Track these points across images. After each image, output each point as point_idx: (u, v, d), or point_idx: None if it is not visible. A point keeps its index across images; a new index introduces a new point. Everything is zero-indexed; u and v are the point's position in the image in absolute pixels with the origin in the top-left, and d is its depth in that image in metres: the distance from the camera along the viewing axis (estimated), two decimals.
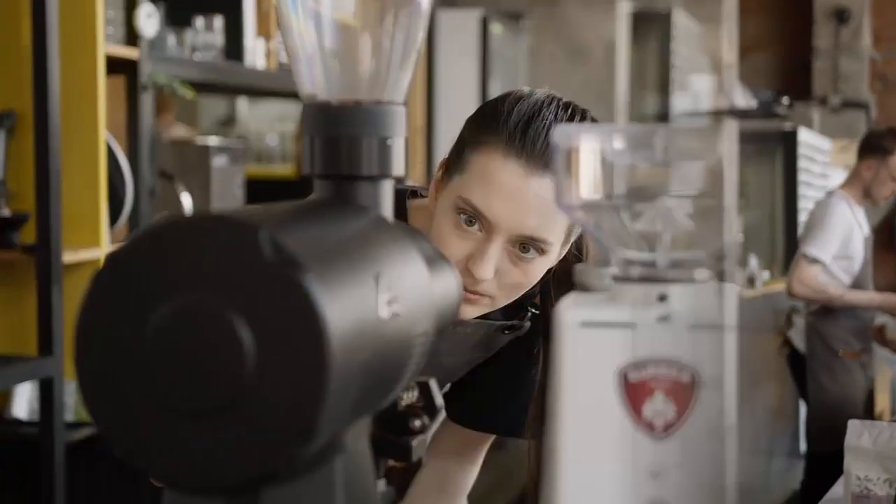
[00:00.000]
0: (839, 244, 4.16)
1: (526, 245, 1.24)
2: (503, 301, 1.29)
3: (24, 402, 2.63)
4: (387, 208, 0.77)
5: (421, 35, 0.80)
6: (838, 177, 8.29)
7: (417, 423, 0.84)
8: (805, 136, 7.12)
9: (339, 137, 0.76)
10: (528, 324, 1.42)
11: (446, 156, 1.31)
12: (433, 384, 0.84)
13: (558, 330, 0.67)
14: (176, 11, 2.94)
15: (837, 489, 2.12)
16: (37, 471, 2.32)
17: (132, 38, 2.64)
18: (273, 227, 0.60)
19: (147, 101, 2.66)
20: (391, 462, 0.92)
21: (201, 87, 3.20)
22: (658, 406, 0.65)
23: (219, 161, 3.05)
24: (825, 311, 4.25)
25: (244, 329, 0.58)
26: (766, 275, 5.76)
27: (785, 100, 6.80)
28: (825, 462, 4.18)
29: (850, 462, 1.88)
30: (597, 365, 0.66)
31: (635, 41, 6.80)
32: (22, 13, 2.35)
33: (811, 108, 7.27)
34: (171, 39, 2.87)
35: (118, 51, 2.59)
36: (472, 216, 1.23)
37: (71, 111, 2.40)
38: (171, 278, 0.60)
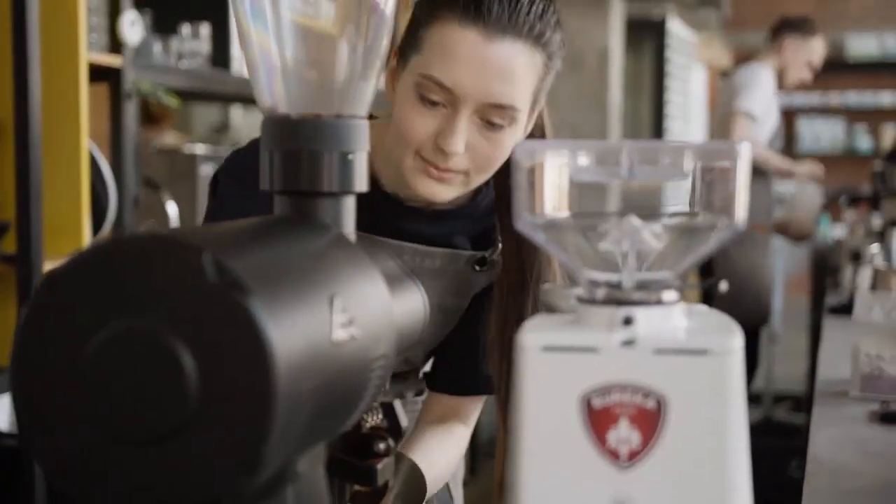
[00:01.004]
0: (764, 106, 4.19)
1: (493, 121, 1.22)
2: (476, 178, 1.27)
3: (4, 413, 2.60)
4: (348, 225, 0.75)
5: (385, 44, 0.78)
6: (699, 71, 8.35)
7: (382, 445, 0.82)
8: (674, 27, 7.09)
9: (298, 152, 0.73)
10: (499, 258, 1.38)
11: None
12: (398, 405, 0.82)
13: (519, 354, 0.64)
14: (162, 19, 2.92)
15: (842, 370, 1.92)
16: (17, 482, 2.29)
17: (116, 45, 2.62)
18: (218, 248, 0.57)
19: (131, 110, 2.63)
20: (356, 486, 0.89)
21: (187, 95, 3.18)
22: (623, 434, 0.63)
23: (206, 170, 3.02)
24: None
25: (186, 355, 0.56)
26: None
27: None
28: None
29: (859, 339, 1.75)
30: (559, 390, 0.63)
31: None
32: (2, 20, 2.32)
33: (667, 4, 7.15)
34: (157, 47, 2.85)
35: (101, 59, 2.56)
36: (434, 94, 1.21)
37: (53, 119, 2.37)
38: (112, 301, 0.57)
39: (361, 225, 0.77)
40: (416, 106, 1.23)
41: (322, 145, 0.73)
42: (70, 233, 2.41)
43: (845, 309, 2.65)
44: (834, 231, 6.37)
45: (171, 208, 2.93)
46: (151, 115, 3.96)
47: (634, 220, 0.66)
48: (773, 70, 4.29)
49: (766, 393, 5.43)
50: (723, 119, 4.25)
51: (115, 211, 2.57)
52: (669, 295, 0.65)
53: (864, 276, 2.82)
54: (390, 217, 1.36)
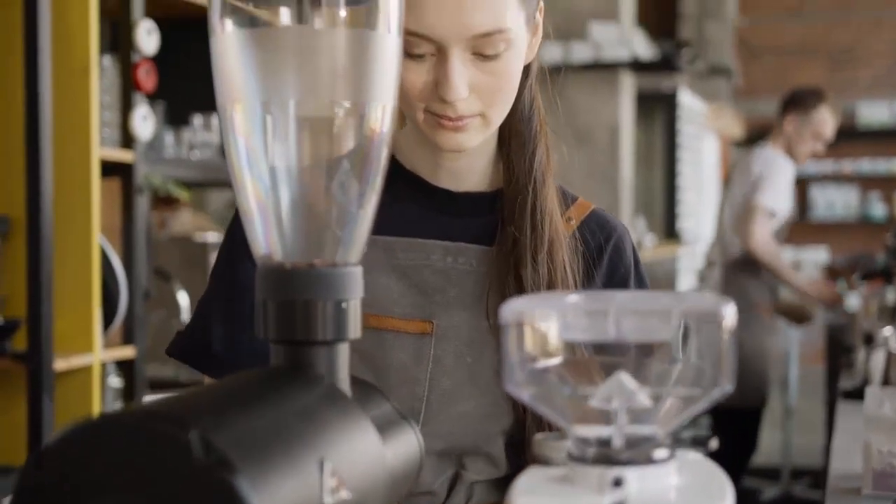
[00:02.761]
0: (784, 200, 4.14)
1: (485, 52, 1.14)
2: (497, 116, 1.18)
3: None
4: (342, 371, 0.75)
5: (377, 189, 0.78)
6: (711, 141, 8.40)
7: None
8: (685, 98, 7.10)
9: (293, 302, 0.74)
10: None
11: None
12: None
13: None
14: (174, 110, 2.96)
15: (856, 463, 1.87)
16: None
17: (128, 140, 2.64)
18: (205, 422, 0.58)
19: (142, 204, 2.66)
20: None
21: (199, 185, 3.21)
22: None
23: None
24: (745, 263, 4.17)
25: None
26: (651, 237, 5.77)
27: (686, 52, 6.65)
28: (734, 419, 4.12)
29: (869, 435, 1.71)
30: None
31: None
32: (16, 117, 2.35)
33: (676, 74, 7.17)
34: (170, 138, 2.88)
35: (114, 154, 2.59)
36: (416, 47, 1.12)
37: (65, 216, 2.40)
38: (100, 478, 0.57)
39: (385, 217, 0.74)
40: (405, 64, 1.13)
41: (316, 295, 0.74)
42: (80, 329, 2.42)
43: (859, 393, 2.62)
44: (849, 300, 6.34)
45: (183, 298, 2.94)
46: (166, 197, 3.99)
47: (625, 379, 0.66)
48: (785, 152, 4.27)
49: (784, 467, 5.37)
50: (742, 209, 4.19)
51: (126, 305, 2.58)
52: (660, 453, 0.65)
53: (878, 359, 2.80)
54: (418, 203, 1.26)
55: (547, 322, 0.65)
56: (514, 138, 1.27)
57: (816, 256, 9.98)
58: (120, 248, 2.63)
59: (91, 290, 2.42)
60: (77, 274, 2.41)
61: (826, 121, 4.25)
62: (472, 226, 1.27)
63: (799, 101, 4.25)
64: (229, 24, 0.74)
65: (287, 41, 0.75)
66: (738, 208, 4.20)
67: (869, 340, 3.06)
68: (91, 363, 2.45)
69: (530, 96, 1.28)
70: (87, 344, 2.43)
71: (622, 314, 0.65)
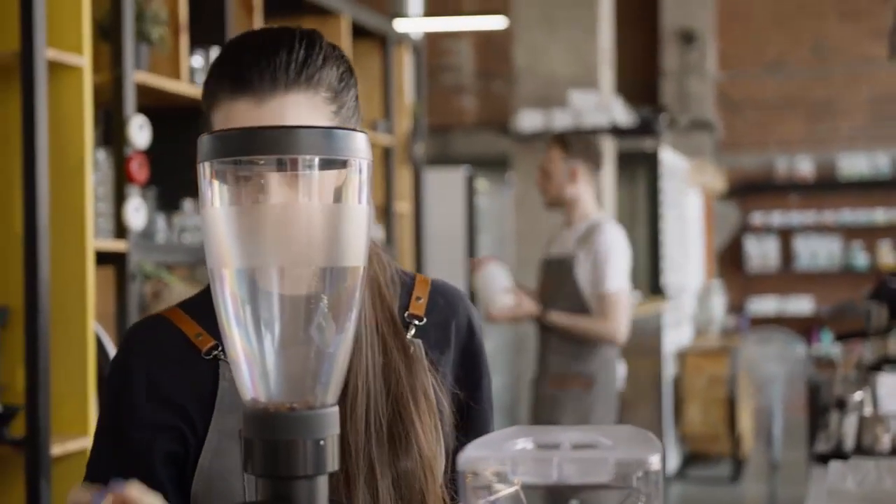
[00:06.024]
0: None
1: None
2: None
3: None
4: (321, 501, 0.85)
5: (351, 336, 0.88)
6: (694, 196, 8.54)
7: None
8: (666, 157, 7.25)
9: (277, 441, 0.84)
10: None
11: None
12: None
13: None
14: (167, 195, 3.06)
15: None
16: None
17: (122, 229, 2.75)
18: None
19: (135, 290, 2.75)
20: None
21: (191, 266, 3.30)
22: None
23: None
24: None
25: None
26: (636, 295, 5.85)
27: (664, 117, 6.79)
28: None
29: None
30: None
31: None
32: (14, 210, 2.46)
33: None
34: (161, 223, 2.98)
35: (107, 245, 2.69)
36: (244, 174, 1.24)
37: (61, 305, 2.49)
38: None
39: None
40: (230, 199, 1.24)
41: (297, 435, 0.84)
42: (77, 414, 2.51)
43: (835, 456, 2.69)
44: (833, 349, 6.39)
45: None
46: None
47: None
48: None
49: None
50: None
51: None
52: None
53: (850, 424, 2.88)
54: None
55: (498, 468, 0.75)
56: None
57: (801, 306, 10.10)
58: (114, 334, 2.72)
59: (87, 375, 2.51)
60: (73, 360, 2.50)
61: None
62: None
63: None
64: (217, 200, 0.85)
65: (269, 216, 0.86)
66: None
67: (841, 405, 3.14)
68: (87, 447, 2.53)
69: None
70: (83, 428, 2.52)
71: (564, 461, 0.75)
